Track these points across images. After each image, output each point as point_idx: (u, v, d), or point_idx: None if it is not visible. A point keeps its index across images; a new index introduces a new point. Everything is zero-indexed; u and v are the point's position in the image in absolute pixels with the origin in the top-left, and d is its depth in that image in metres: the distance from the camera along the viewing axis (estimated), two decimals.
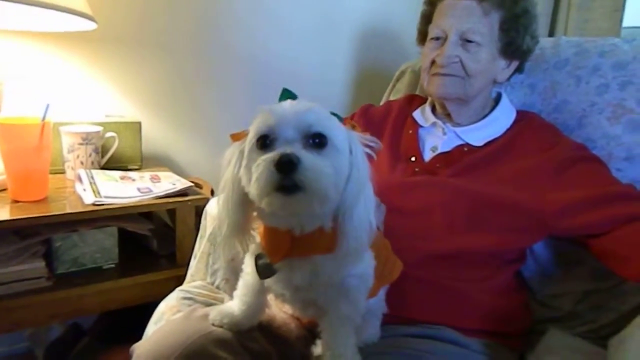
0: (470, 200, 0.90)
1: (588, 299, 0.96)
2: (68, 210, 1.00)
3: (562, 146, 0.94)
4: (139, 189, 1.11)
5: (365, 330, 0.75)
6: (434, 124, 1.06)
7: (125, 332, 1.21)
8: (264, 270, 0.65)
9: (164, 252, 1.20)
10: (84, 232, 1.06)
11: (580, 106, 1.04)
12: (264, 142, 0.57)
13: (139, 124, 1.29)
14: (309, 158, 0.53)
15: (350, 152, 0.59)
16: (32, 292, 0.99)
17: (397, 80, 1.39)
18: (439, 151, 1.02)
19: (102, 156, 1.23)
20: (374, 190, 0.62)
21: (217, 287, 1.01)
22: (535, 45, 1.02)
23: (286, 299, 0.71)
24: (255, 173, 0.54)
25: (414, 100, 1.18)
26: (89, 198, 1.03)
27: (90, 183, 1.09)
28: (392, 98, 1.37)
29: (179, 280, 1.10)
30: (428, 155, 1.03)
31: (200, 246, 1.07)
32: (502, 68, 1.01)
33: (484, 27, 0.94)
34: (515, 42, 0.97)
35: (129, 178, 1.17)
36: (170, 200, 1.11)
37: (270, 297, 0.77)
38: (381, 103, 1.40)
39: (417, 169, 1.01)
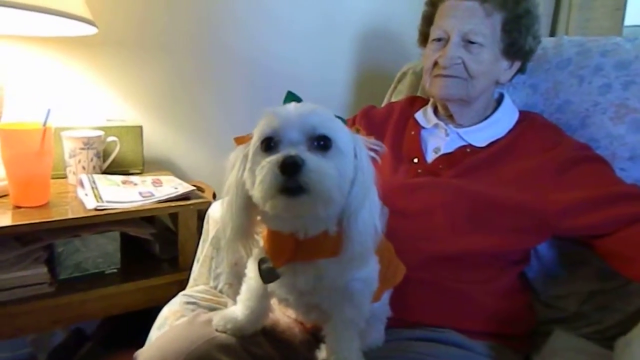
0: (472, 201, 0.90)
1: (593, 300, 0.96)
2: (70, 216, 1.00)
3: (565, 146, 0.94)
4: (140, 194, 1.11)
5: (369, 334, 0.75)
6: (436, 125, 1.06)
7: (128, 337, 1.21)
8: (267, 275, 0.64)
9: (166, 257, 1.19)
10: (86, 237, 1.06)
11: (583, 106, 1.04)
12: (268, 144, 0.57)
13: (140, 128, 1.29)
14: (313, 160, 0.53)
15: (355, 155, 0.59)
16: (35, 298, 0.99)
17: (399, 81, 1.39)
18: (441, 152, 1.02)
19: (104, 161, 1.23)
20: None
21: (220, 291, 1.01)
22: (537, 45, 1.02)
23: (290, 303, 0.71)
24: (260, 175, 0.54)
25: (415, 102, 1.18)
26: (90, 203, 1.02)
27: (92, 188, 1.08)
28: (393, 99, 1.37)
29: (182, 285, 1.10)
30: (430, 157, 1.03)
31: (203, 250, 1.06)
32: (505, 69, 1.01)
33: (486, 28, 0.94)
34: (517, 43, 0.97)
35: (131, 182, 1.17)
36: (172, 204, 1.10)
37: (274, 302, 0.77)
38: (382, 104, 1.39)
39: (419, 171, 1.01)
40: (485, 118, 1.02)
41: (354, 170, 0.59)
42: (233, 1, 1.46)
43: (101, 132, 1.20)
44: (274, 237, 0.62)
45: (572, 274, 0.99)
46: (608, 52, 1.04)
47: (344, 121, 0.61)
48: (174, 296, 1.00)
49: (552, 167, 0.91)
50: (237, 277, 0.93)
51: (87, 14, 1.05)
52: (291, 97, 0.61)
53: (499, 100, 1.05)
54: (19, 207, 1.01)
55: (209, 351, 0.71)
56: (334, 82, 1.72)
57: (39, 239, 1.01)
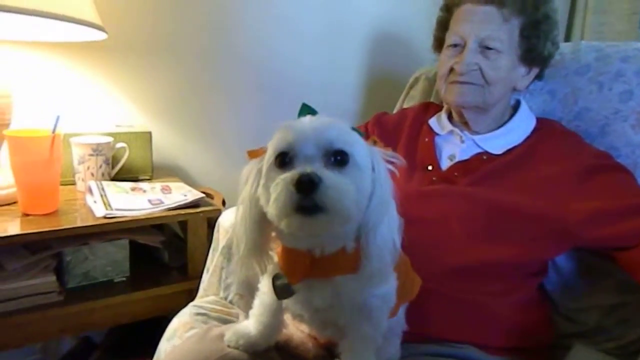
0: (489, 210, 0.88)
1: (614, 314, 0.93)
2: (79, 224, 0.98)
3: (585, 154, 0.92)
4: (150, 201, 1.09)
5: (385, 350, 0.73)
6: (451, 132, 1.04)
7: (137, 346, 1.20)
8: (281, 291, 0.62)
9: (175, 264, 1.18)
10: (94, 245, 1.04)
11: (602, 113, 1.01)
12: (283, 159, 0.55)
13: (150, 134, 1.28)
14: (330, 177, 0.51)
15: (373, 169, 0.57)
16: (43, 307, 0.97)
17: (411, 87, 1.36)
18: (457, 159, 1.00)
19: (113, 167, 1.22)
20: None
21: (231, 302, 0.99)
22: (556, 51, 0.99)
23: (304, 319, 0.69)
24: (274, 193, 0.52)
25: (429, 108, 1.16)
26: (99, 211, 1.01)
27: (101, 195, 1.07)
28: (405, 105, 1.35)
29: (191, 294, 1.09)
30: (445, 164, 1.01)
31: (213, 259, 1.05)
32: (522, 75, 0.99)
33: (504, 34, 0.92)
34: (536, 49, 0.95)
35: (140, 189, 1.15)
36: (182, 212, 1.09)
37: (287, 316, 0.75)
38: (394, 110, 1.37)
39: (434, 178, 0.99)
40: (502, 125, 1.00)
41: (371, 184, 0.57)
42: (243, 6, 1.44)
43: (110, 138, 1.18)
44: (289, 254, 0.60)
45: (591, 286, 0.97)
46: (629, 58, 1.02)
47: (361, 133, 0.59)
48: (183, 305, 0.99)
49: (573, 175, 0.88)
50: (248, 288, 0.91)
51: (96, 20, 1.04)
52: (306, 109, 0.59)
53: (515, 107, 1.03)
54: (28, 215, 1.00)
55: None
56: (345, 87, 1.69)
57: (48, 247, 1.00)
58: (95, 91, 1.30)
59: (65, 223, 0.98)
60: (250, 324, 0.73)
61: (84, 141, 1.14)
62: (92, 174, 1.16)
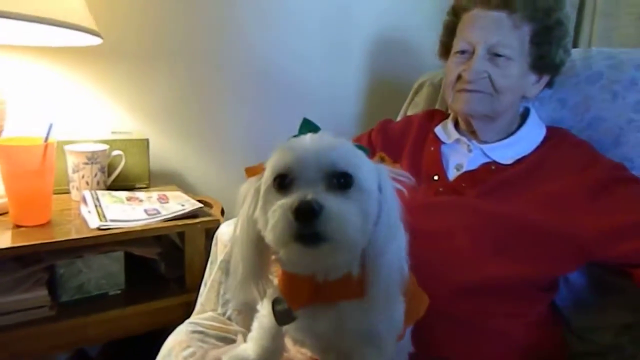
0: (498, 224, 0.84)
1: (629, 333, 0.89)
2: (72, 236, 0.95)
3: (599, 166, 0.88)
4: (146, 211, 1.06)
5: None
6: (457, 141, 1.00)
7: (134, 359, 1.16)
8: (282, 317, 0.59)
9: (172, 276, 1.14)
10: (89, 258, 1.01)
11: (616, 123, 0.98)
12: (282, 182, 0.51)
13: (147, 141, 1.24)
14: (332, 204, 0.47)
15: (380, 189, 0.53)
16: (35, 323, 0.94)
17: (415, 93, 1.33)
18: (464, 169, 0.97)
19: (109, 175, 1.18)
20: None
21: (229, 318, 0.95)
22: (567, 58, 0.96)
23: (305, 344, 0.65)
24: (272, 219, 0.48)
25: (435, 115, 1.13)
26: (94, 222, 0.97)
27: (96, 205, 1.04)
28: (410, 112, 1.31)
29: (188, 307, 1.05)
30: (452, 174, 0.98)
31: (211, 273, 1.01)
32: (532, 83, 0.95)
33: (514, 41, 0.89)
34: (547, 56, 0.91)
35: (136, 199, 1.12)
36: (179, 222, 1.05)
37: (288, 339, 0.71)
38: (398, 117, 1.34)
39: (440, 189, 0.95)
40: (511, 134, 0.97)
41: (378, 205, 0.53)
42: (241, 12, 1.41)
43: (106, 146, 1.15)
44: (291, 279, 0.57)
45: (604, 303, 0.93)
46: None
47: (366, 151, 0.56)
48: (180, 319, 0.95)
49: (587, 188, 0.85)
50: (246, 305, 0.87)
51: (91, 25, 1.00)
52: (307, 125, 0.55)
53: (524, 115, 1.00)
54: (19, 227, 0.97)
55: None
56: (348, 94, 1.66)
57: (40, 260, 0.97)
58: (91, 97, 1.27)
59: (58, 235, 0.95)
60: (249, 348, 0.69)
61: (79, 149, 1.11)
62: (87, 183, 1.13)
